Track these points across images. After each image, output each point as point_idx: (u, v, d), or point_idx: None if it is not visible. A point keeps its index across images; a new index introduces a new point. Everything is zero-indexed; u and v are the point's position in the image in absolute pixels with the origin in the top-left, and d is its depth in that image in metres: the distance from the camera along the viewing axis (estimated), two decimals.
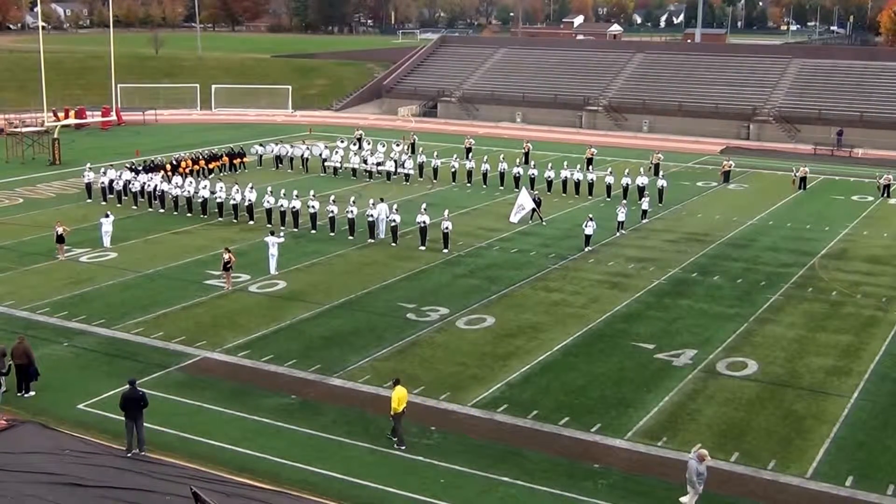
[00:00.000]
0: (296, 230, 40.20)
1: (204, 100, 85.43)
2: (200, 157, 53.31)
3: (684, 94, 78.73)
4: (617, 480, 19.64)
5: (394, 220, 38.59)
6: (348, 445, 20.95)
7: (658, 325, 29.26)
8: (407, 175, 52.54)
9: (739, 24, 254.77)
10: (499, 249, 38.13)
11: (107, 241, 37.55)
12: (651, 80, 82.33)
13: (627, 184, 47.94)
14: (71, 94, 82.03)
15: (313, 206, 40.36)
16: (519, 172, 50.59)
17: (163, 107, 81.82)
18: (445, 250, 37.24)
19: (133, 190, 45.56)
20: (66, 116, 69.61)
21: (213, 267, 34.04)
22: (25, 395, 23.18)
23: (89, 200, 46.17)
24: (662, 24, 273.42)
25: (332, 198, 42.07)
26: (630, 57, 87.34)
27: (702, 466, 17.92)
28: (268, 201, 41.41)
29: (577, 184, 49.60)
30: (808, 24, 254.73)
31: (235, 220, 41.98)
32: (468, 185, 51.73)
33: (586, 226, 38.44)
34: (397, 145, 57.87)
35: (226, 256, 32.15)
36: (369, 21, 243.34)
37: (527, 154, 57.92)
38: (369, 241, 38.81)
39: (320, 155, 55.46)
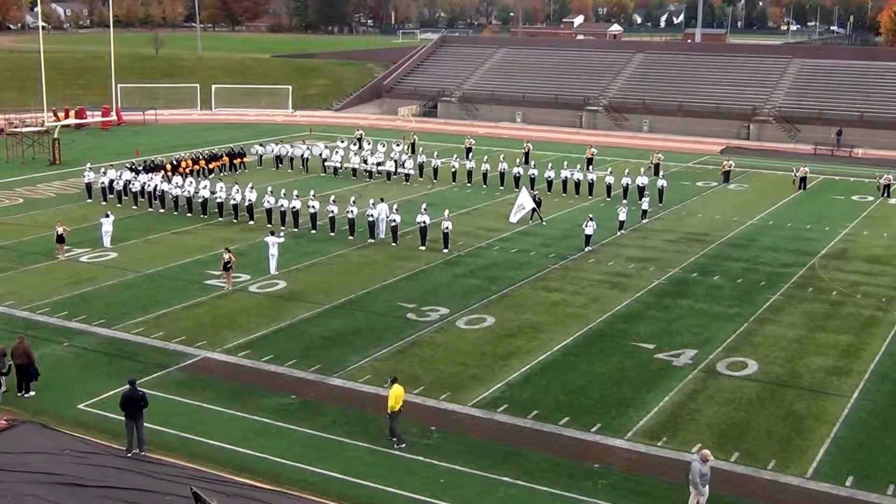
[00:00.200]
0: (296, 230, 40.20)
1: (204, 100, 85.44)
2: (200, 157, 53.31)
3: (684, 94, 78.73)
4: (617, 480, 19.64)
5: (394, 220, 38.60)
6: (348, 445, 20.96)
7: (658, 325, 29.27)
8: (407, 175, 52.55)
9: (739, 24, 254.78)
10: (499, 249, 38.14)
11: (107, 241, 37.55)
12: (651, 80, 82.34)
13: (627, 184, 47.94)
14: (71, 94, 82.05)
15: (313, 206, 40.37)
16: (519, 172, 50.60)
17: (163, 107, 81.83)
18: (445, 250, 37.24)
19: (133, 190, 45.56)
20: (67, 116, 69.63)
21: (214, 267, 34.04)
22: (25, 395, 23.18)
23: (89, 200, 46.17)
24: (662, 24, 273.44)
25: (333, 198, 42.07)
26: (630, 57, 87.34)
27: (705, 468, 17.86)
28: (268, 201, 41.41)
29: (578, 184, 49.61)
30: (808, 24, 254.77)
31: (235, 220, 41.99)
32: (468, 185, 51.73)
33: (586, 226, 38.44)
34: (397, 145, 57.87)
35: (226, 256, 32.15)
36: (369, 21, 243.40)
37: (527, 154, 57.93)
38: (369, 241, 38.82)
39: (320, 155, 55.47)
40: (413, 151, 58.42)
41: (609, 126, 78.36)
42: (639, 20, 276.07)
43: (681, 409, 23.12)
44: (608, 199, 47.77)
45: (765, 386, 24.69)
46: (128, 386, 20.49)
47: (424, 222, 37.94)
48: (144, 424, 20.34)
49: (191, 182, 44.70)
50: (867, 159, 64.25)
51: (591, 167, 53.26)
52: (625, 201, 43.21)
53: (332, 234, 39.78)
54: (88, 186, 46.86)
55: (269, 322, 28.91)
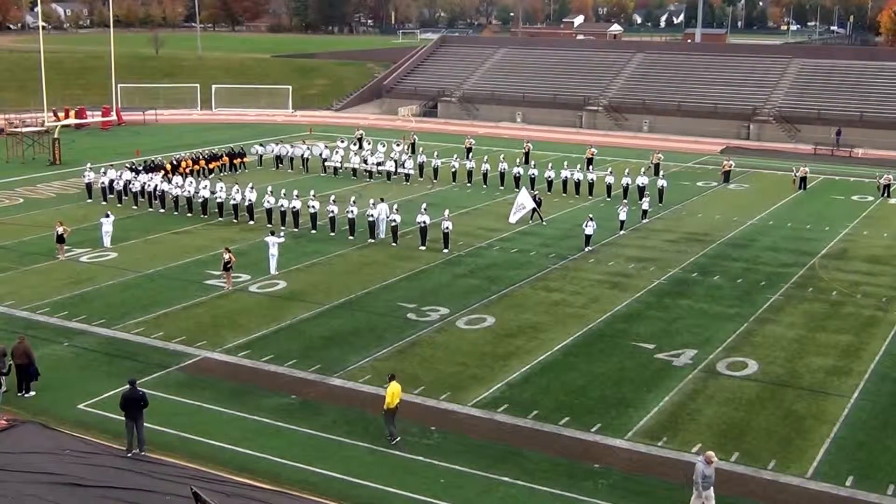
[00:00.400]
0: (296, 230, 40.21)
1: (204, 100, 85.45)
2: (200, 157, 53.31)
3: (684, 94, 78.75)
4: (617, 480, 19.65)
5: (394, 220, 38.60)
6: (348, 445, 20.96)
7: (658, 325, 29.27)
8: (407, 175, 52.55)
9: (739, 24, 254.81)
10: (499, 249, 38.14)
11: (107, 241, 37.55)
12: (651, 80, 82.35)
13: (627, 184, 47.94)
14: (71, 94, 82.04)
15: (313, 206, 40.37)
16: (519, 172, 50.60)
17: (163, 107, 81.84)
18: (445, 250, 37.24)
19: (133, 190, 45.57)
20: (67, 116, 69.64)
21: (214, 267, 34.04)
22: (26, 395, 23.18)
23: (89, 200, 46.18)
24: (662, 24, 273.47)
25: (333, 198, 42.07)
26: (630, 57, 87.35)
27: (709, 469, 17.79)
28: (268, 201, 41.41)
29: (578, 184, 49.61)
30: (808, 24, 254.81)
31: (235, 220, 41.99)
32: (468, 185, 51.73)
33: (586, 226, 38.45)
34: (397, 145, 57.88)
35: (226, 256, 32.15)
36: (369, 21, 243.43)
37: (527, 154, 57.93)
38: (369, 241, 38.82)
39: (320, 155, 55.48)
40: (413, 151, 58.42)
41: (609, 126, 78.37)
42: (639, 20, 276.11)
43: (681, 409, 23.12)
44: (608, 199, 47.77)
45: (765, 386, 24.69)
46: (128, 386, 20.50)
47: (424, 222, 37.94)
48: (144, 424, 20.34)
49: (191, 182, 44.69)
50: (867, 159, 64.25)
51: (591, 167, 53.26)
52: (625, 201, 43.22)
53: (333, 234, 39.78)
54: (88, 186, 46.86)
55: (269, 322, 28.91)
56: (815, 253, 38.40)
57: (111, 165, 48.86)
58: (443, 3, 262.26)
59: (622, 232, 40.94)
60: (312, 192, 42.12)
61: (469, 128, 74.82)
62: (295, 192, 42.62)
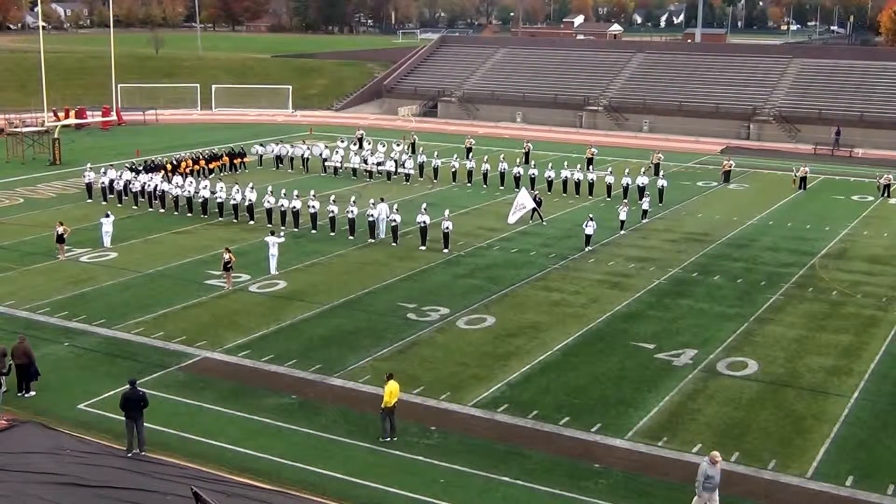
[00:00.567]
0: (296, 230, 40.21)
1: (204, 100, 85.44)
2: (201, 156, 53.31)
3: (684, 94, 78.74)
4: (617, 480, 19.64)
5: (394, 220, 38.60)
6: (348, 445, 20.96)
7: (658, 324, 29.27)
8: (407, 175, 52.55)
9: (739, 23, 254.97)
10: (499, 249, 38.14)
11: (107, 241, 37.56)
12: (651, 80, 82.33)
13: (628, 184, 47.94)
14: (71, 93, 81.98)
15: (313, 206, 40.37)
16: (519, 172, 50.59)
17: (163, 107, 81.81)
18: (446, 250, 37.24)
19: (133, 190, 45.57)
20: (67, 116, 69.60)
21: (214, 267, 34.04)
22: (26, 395, 23.18)
23: (90, 200, 46.18)
24: (662, 24, 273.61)
25: (333, 198, 42.06)
26: (630, 57, 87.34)
27: (713, 470, 17.73)
28: (268, 201, 41.41)
29: (578, 184, 49.60)
30: (809, 24, 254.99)
31: (236, 220, 41.99)
32: (468, 185, 51.73)
33: (587, 226, 38.45)
34: (398, 145, 57.88)
35: (226, 256, 32.15)
36: (369, 21, 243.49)
37: (527, 154, 57.92)
38: (369, 240, 38.82)
39: (320, 155, 55.48)
40: (413, 151, 58.41)
41: (609, 126, 78.36)
42: (639, 20, 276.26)
43: (681, 409, 23.12)
44: (608, 199, 47.77)
45: (765, 386, 24.69)
46: (128, 386, 20.51)
47: (425, 222, 37.94)
48: (145, 424, 20.34)
49: (191, 182, 44.69)
50: (867, 159, 64.24)
51: (591, 167, 53.28)
52: (625, 201, 43.22)
53: (333, 233, 39.78)
54: (89, 186, 46.87)
55: (270, 322, 28.91)
56: (815, 253, 38.40)
57: (111, 165, 48.85)
58: (443, 3, 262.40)
59: (622, 232, 40.94)
60: (312, 192, 42.11)
61: (469, 128, 74.81)
62: (295, 192, 42.63)
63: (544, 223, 42.62)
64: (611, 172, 50.34)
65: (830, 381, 25.09)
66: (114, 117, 75.22)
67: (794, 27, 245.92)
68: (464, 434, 21.62)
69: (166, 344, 26.95)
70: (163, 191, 44.64)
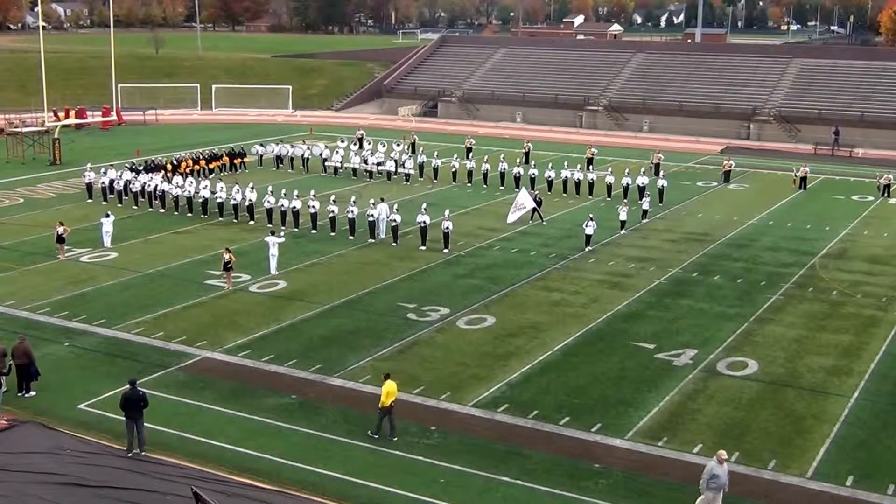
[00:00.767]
0: (296, 230, 40.21)
1: (204, 100, 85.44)
2: (201, 156, 53.31)
3: (684, 94, 78.74)
4: (617, 480, 19.65)
5: (394, 220, 38.60)
6: (348, 445, 20.96)
7: (658, 324, 29.27)
8: (407, 175, 52.55)
9: (739, 23, 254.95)
10: (499, 249, 38.14)
11: (107, 241, 37.56)
12: (651, 80, 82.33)
13: (628, 184, 47.95)
14: (71, 93, 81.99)
15: (314, 206, 40.37)
16: (519, 172, 50.59)
17: (163, 107, 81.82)
18: (446, 250, 37.25)
19: (133, 190, 45.57)
20: (67, 116, 69.60)
21: (214, 267, 34.04)
22: (26, 395, 23.18)
23: (90, 200, 46.18)
24: (663, 23, 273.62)
25: (333, 198, 42.06)
26: (630, 57, 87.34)
27: (719, 469, 17.74)
28: (268, 201, 41.42)
29: (578, 184, 49.60)
30: (809, 23, 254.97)
31: (236, 220, 41.99)
32: (468, 185, 51.73)
33: (587, 226, 38.45)
34: (398, 145, 57.88)
35: (226, 256, 32.15)
36: (369, 21, 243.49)
37: (527, 154, 57.92)
38: (370, 240, 38.82)
39: (321, 155, 55.48)
40: (413, 151, 58.42)
41: (609, 126, 78.36)
42: (639, 20, 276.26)
43: (681, 409, 23.12)
44: (608, 199, 47.78)
45: (765, 386, 24.69)
46: (128, 386, 20.51)
47: (425, 222, 37.94)
48: (145, 424, 20.34)
49: (191, 182, 44.69)
50: (867, 159, 64.24)
51: (591, 167, 53.29)
52: (625, 201, 43.22)
53: (333, 233, 39.78)
54: (89, 186, 46.87)
55: (270, 322, 28.91)
56: (815, 253, 38.40)
57: (111, 165, 48.85)
58: (443, 3, 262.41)
59: (623, 232, 40.94)
60: (313, 192, 42.11)
61: (469, 128, 74.81)
62: (295, 192, 42.63)
63: (544, 223, 42.62)
64: (611, 172, 50.34)
65: (830, 381, 25.09)
66: (114, 117, 75.21)
67: (794, 27, 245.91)
68: (464, 434, 21.62)
69: (166, 344, 26.95)
70: (163, 191, 44.64)
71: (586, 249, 37.95)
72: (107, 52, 77.20)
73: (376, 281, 33.27)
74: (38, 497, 18.15)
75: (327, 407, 22.92)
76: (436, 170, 53.73)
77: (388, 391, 21.07)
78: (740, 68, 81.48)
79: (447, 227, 37.39)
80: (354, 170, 54.00)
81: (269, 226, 39.87)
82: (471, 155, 56.68)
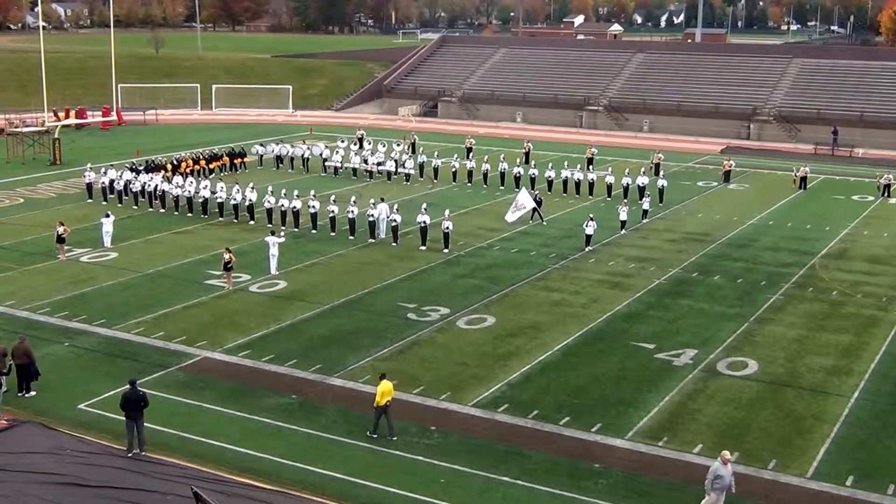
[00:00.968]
0: (296, 230, 40.21)
1: (204, 100, 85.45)
2: (201, 156, 53.31)
3: (684, 94, 78.74)
4: (617, 480, 19.65)
5: (394, 220, 38.60)
6: (348, 445, 20.96)
7: (658, 324, 29.27)
8: (407, 175, 52.55)
9: (739, 23, 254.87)
10: (499, 249, 38.14)
11: (107, 241, 37.57)
12: (651, 80, 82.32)
13: (628, 184, 47.95)
14: (71, 93, 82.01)
15: (314, 206, 40.37)
16: (519, 172, 50.59)
17: (163, 107, 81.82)
18: (446, 250, 37.25)
19: (133, 190, 45.58)
20: (67, 116, 69.61)
21: (214, 267, 34.04)
22: (26, 395, 23.19)
23: (90, 200, 46.18)
24: (663, 23, 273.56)
25: (333, 198, 42.06)
26: (630, 57, 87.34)
27: (723, 469, 17.75)
28: (268, 201, 41.42)
29: (578, 184, 49.60)
30: (809, 23, 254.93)
31: (236, 220, 41.99)
32: (469, 185, 51.73)
33: (587, 226, 38.45)
34: (398, 145, 57.89)
35: (226, 256, 32.16)
36: (370, 21, 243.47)
37: (527, 154, 57.92)
38: (370, 240, 38.82)
39: (321, 155, 55.49)
40: (413, 151, 58.41)
41: (609, 126, 78.35)
42: (639, 20, 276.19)
43: (681, 409, 23.12)
44: (608, 199, 47.77)
45: (765, 386, 24.69)
46: (128, 386, 20.51)
47: (425, 222, 37.95)
48: (145, 424, 20.34)
49: (191, 182, 44.69)
50: (867, 159, 64.24)
51: (591, 167, 53.29)
52: (625, 201, 43.22)
53: (333, 233, 39.78)
54: (89, 186, 46.87)
55: (270, 322, 28.91)
56: (815, 253, 38.40)
57: (111, 165, 48.86)
58: (443, 3, 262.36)
59: (623, 231, 40.95)
60: (313, 192, 42.12)
61: (469, 128, 74.82)
62: (295, 192, 42.63)
63: (544, 223, 42.62)
64: (611, 172, 50.34)
65: (830, 381, 25.09)
66: (114, 117, 75.20)
67: (794, 27, 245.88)
68: (464, 434, 21.62)
69: (166, 344, 26.96)
70: (163, 191, 44.63)
71: (586, 249, 37.95)
72: (107, 52, 77.20)
73: (376, 281, 33.27)
74: (38, 497, 18.15)
75: (327, 407, 22.92)
76: (436, 170, 53.73)
77: (383, 391, 21.11)
78: (740, 68, 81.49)
79: (447, 227, 37.39)
80: (354, 170, 54.00)
81: (270, 226, 39.87)
82: (471, 155, 56.66)
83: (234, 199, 42.33)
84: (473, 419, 22.48)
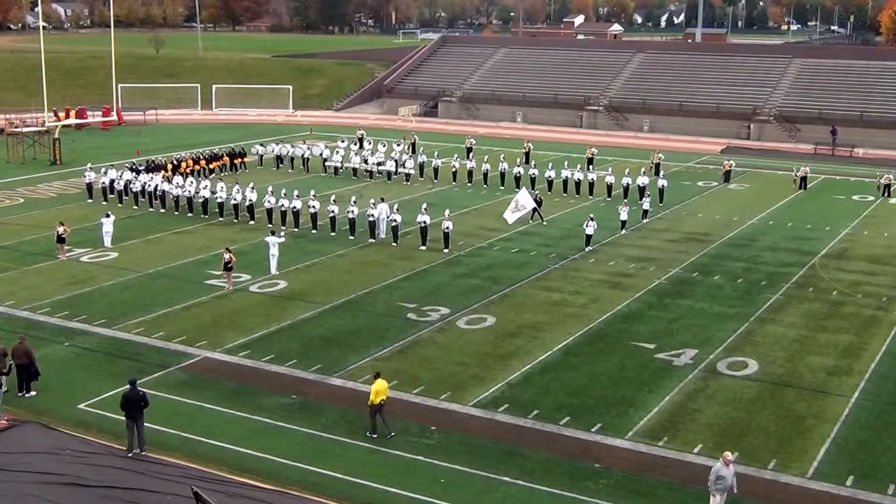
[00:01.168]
0: (296, 230, 40.21)
1: (205, 100, 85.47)
2: (201, 156, 53.31)
3: (684, 94, 78.73)
4: (618, 480, 19.65)
5: (394, 220, 38.60)
6: (348, 445, 20.96)
7: (658, 324, 29.27)
8: (407, 175, 52.55)
9: (740, 23, 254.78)
10: (499, 249, 38.14)
11: (107, 241, 37.57)
12: (651, 80, 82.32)
13: (628, 183, 47.95)
14: (72, 93, 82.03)
15: (314, 206, 40.37)
16: (519, 172, 50.59)
17: (163, 107, 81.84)
18: (446, 250, 37.25)
19: (134, 190, 45.58)
20: (67, 116, 69.65)
21: (214, 267, 34.05)
22: (26, 395, 23.19)
23: (90, 200, 46.19)
24: (663, 23, 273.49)
25: (333, 198, 42.07)
26: (630, 57, 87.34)
27: (726, 470, 17.74)
28: (268, 201, 41.42)
29: (578, 184, 49.61)
30: (809, 23, 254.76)
31: (236, 220, 42.00)
32: (469, 184, 51.73)
33: (587, 226, 38.45)
34: (398, 145, 57.89)
35: (226, 256, 32.15)
36: (370, 21, 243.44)
37: (527, 154, 57.92)
38: (370, 240, 38.82)
39: (321, 155, 55.49)
40: (413, 151, 58.40)
41: (609, 126, 78.36)
42: (639, 20, 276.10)
43: (681, 409, 23.12)
44: (609, 199, 47.77)
45: (765, 386, 24.69)
46: (128, 386, 20.51)
47: (425, 222, 37.94)
48: (145, 424, 20.35)
49: (191, 182, 44.70)
50: (867, 159, 64.24)
51: (591, 167, 53.29)
52: (626, 201, 43.21)
53: (333, 233, 39.79)
54: (89, 186, 46.88)
55: (270, 322, 28.91)
56: (815, 253, 38.40)
57: (112, 165, 48.87)
58: (443, 3, 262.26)
59: (624, 231, 40.95)
60: (313, 192, 42.13)
61: (469, 128, 74.83)
62: (295, 192, 42.64)
63: (544, 223, 42.62)
64: (611, 172, 50.33)
65: (831, 381, 25.08)
66: (114, 117, 75.22)
67: (794, 27, 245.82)
68: (464, 434, 21.62)
69: (167, 344, 26.96)
70: (163, 191, 44.64)
71: (586, 249, 37.95)
72: (107, 52, 77.24)
73: (376, 281, 33.27)
74: (38, 497, 18.15)
75: (328, 407, 22.90)
76: (436, 170, 53.73)
77: (377, 390, 21.14)
78: (740, 68, 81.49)
79: (447, 227, 37.39)
80: (355, 170, 54.00)
81: (270, 226, 39.88)
82: (471, 155, 56.66)
83: (235, 199, 42.33)
84: (473, 419, 22.48)
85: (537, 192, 45.30)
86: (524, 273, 34.71)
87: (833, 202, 49.60)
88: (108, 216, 38.14)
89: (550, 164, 52.76)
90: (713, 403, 23.49)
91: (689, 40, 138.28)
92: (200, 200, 43.33)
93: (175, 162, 50.67)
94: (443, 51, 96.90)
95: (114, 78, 75.14)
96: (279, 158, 56.40)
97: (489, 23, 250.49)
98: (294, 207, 40.81)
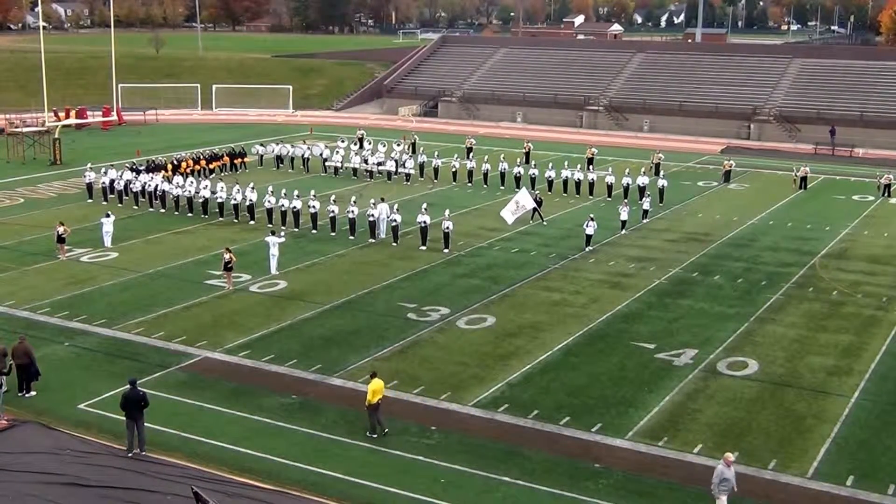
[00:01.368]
0: (296, 230, 40.22)
1: (205, 100, 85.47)
2: (201, 156, 53.31)
3: (685, 94, 78.72)
4: (618, 480, 19.65)
5: (395, 220, 38.60)
6: (348, 445, 20.97)
7: (659, 324, 29.27)
8: (408, 175, 52.55)
9: (740, 23, 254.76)
10: (499, 249, 38.14)
11: (108, 241, 37.57)
12: (651, 80, 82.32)
13: (628, 183, 47.95)
14: (72, 93, 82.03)
15: (314, 206, 40.38)
16: (519, 172, 50.60)
17: (163, 107, 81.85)
18: (446, 250, 37.25)
19: (134, 190, 45.58)
20: (67, 116, 69.65)
21: (214, 267, 34.05)
22: (26, 395, 23.19)
23: (90, 200, 46.19)
24: (663, 23, 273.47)
25: (333, 198, 42.07)
26: (630, 57, 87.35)
27: (728, 472, 17.75)
28: (268, 201, 41.42)
29: (578, 183, 49.61)
30: (809, 23, 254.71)
31: (236, 220, 42.00)
32: (469, 184, 51.73)
33: (587, 226, 38.45)
34: (398, 145, 57.89)
35: (226, 256, 32.16)
36: (370, 21, 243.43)
37: (527, 154, 57.92)
38: (370, 240, 38.83)
39: (321, 155, 55.50)
40: (413, 151, 58.40)
41: (609, 126, 78.36)
42: (639, 20, 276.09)
43: (681, 409, 23.12)
44: (609, 199, 47.78)
45: (765, 386, 24.69)
46: (128, 386, 20.51)
47: (425, 222, 37.95)
48: (145, 424, 20.35)
49: (191, 182, 44.70)
50: (867, 159, 64.24)
51: (591, 167, 53.30)
52: (626, 201, 43.22)
53: (333, 233, 39.79)
54: (89, 186, 46.88)
55: (270, 322, 28.91)
56: (815, 253, 38.40)
57: (112, 165, 48.88)
58: (443, 3, 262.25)
59: (624, 231, 40.95)
60: (313, 192, 42.13)
61: (469, 128, 74.84)
62: (295, 192, 42.64)
63: (545, 223, 42.63)
64: (611, 172, 50.34)
65: (831, 381, 25.08)
66: (114, 117, 75.23)
67: (794, 27, 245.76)
68: (464, 434, 21.63)
69: (167, 344, 26.96)
70: (163, 191, 44.64)
71: (586, 249, 37.95)
72: (107, 52, 77.25)
73: (376, 281, 33.28)
74: (38, 497, 18.16)
75: (328, 407, 22.90)
76: (436, 170, 53.74)
77: (374, 389, 21.17)
78: (740, 68, 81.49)
79: (447, 227, 37.39)
80: (355, 170, 54.00)
81: (270, 226, 39.88)
82: (471, 155, 56.66)
83: (235, 199, 42.33)
84: (473, 419, 22.48)
85: (537, 192, 45.31)
86: (524, 273, 34.71)
87: (833, 202, 49.60)
88: (108, 216, 38.15)
89: (550, 164, 52.76)
90: (713, 403, 23.49)
91: (689, 40, 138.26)
92: (200, 200, 43.33)
93: (175, 162, 50.67)
94: (443, 51, 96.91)
95: (114, 78, 75.15)
96: (279, 158, 56.41)
97: (489, 23, 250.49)
98: (294, 207, 40.81)
